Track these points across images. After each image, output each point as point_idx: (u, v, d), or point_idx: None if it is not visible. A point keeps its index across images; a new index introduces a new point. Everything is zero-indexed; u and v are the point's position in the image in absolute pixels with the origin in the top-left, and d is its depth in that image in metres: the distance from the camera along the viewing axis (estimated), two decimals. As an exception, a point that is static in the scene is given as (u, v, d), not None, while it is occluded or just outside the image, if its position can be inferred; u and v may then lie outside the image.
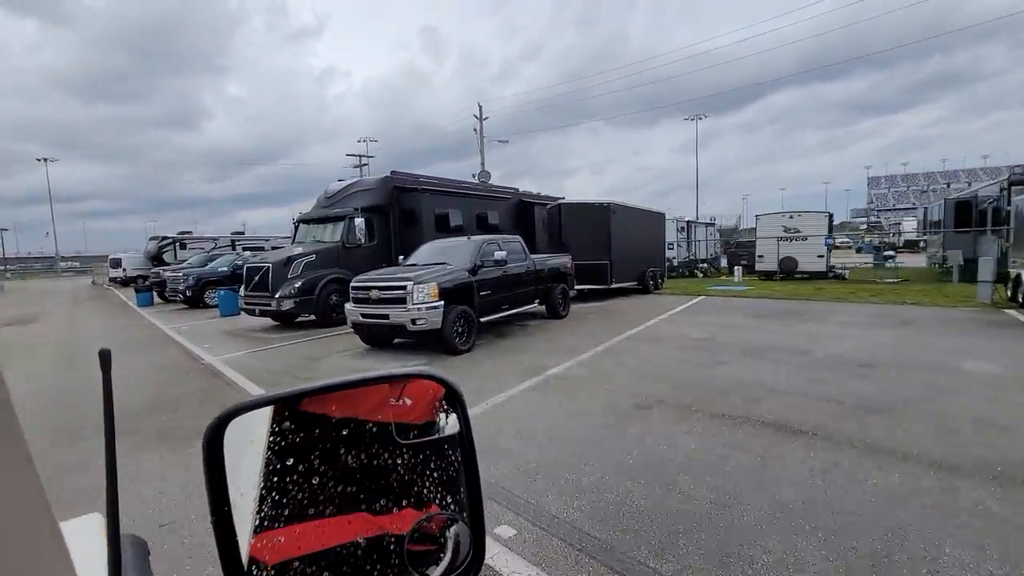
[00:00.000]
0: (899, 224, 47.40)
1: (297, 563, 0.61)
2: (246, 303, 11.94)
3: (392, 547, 0.65)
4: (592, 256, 13.94)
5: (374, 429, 0.67)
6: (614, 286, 14.55)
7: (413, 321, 7.69)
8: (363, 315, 8.17)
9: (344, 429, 0.66)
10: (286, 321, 12.42)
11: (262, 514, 0.61)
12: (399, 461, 0.67)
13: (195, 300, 18.02)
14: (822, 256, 18.60)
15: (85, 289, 36.08)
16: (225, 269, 19.03)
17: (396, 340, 9.07)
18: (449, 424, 0.71)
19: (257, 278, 11.59)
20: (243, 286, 12.09)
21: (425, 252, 9.86)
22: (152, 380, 7.35)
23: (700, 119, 60.76)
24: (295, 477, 0.62)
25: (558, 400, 5.56)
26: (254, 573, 0.59)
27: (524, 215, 16.98)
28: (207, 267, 19.69)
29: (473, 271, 8.67)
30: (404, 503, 0.66)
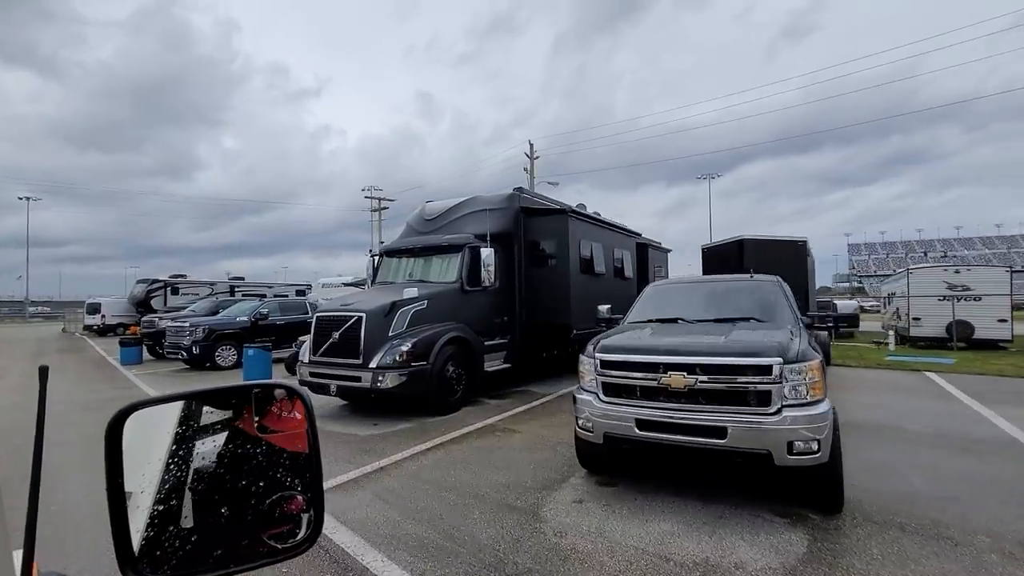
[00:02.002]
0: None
1: (183, 541, 0.74)
2: (313, 373, 7.56)
3: (251, 522, 0.79)
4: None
5: (239, 426, 0.83)
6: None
7: (790, 447, 3.49)
8: (661, 423, 3.90)
9: (232, 425, 0.82)
10: (360, 400, 8.04)
11: (157, 500, 0.73)
12: (262, 452, 0.82)
13: (203, 359, 13.46)
14: (1005, 320, 14.93)
15: (53, 339, 30.71)
16: (245, 319, 14.62)
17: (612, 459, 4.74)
18: (302, 424, 0.87)
19: (337, 336, 7.30)
20: (309, 347, 7.75)
21: (663, 299, 5.77)
22: None
23: (713, 178, 60.42)
24: (192, 466, 0.77)
25: None
26: (144, 552, 0.72)
27: (642, 260, 13.17)
28: (220, 316, 15.24)
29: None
30: (262, 484, 0.80)
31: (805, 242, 10.57)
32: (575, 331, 9.18)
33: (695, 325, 4.85)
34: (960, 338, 14.96)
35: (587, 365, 4.42)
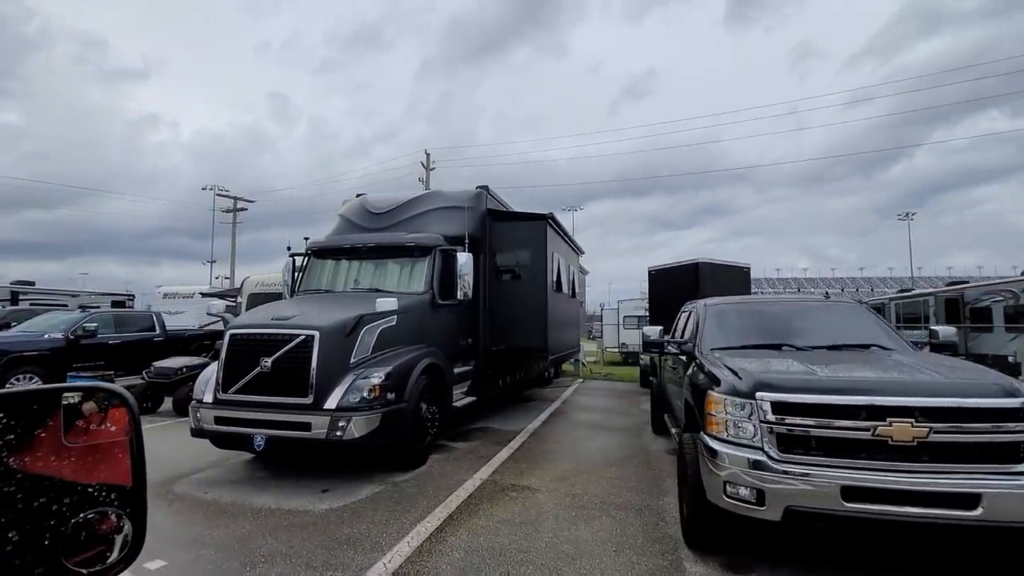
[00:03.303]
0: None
1: None
2: (224, 419, 5.11)
3: (49, 547, 0.69)
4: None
5: (42, 436, 0.71)
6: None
7: (1056, 515, 2.68)
8: (882, 491, 2.78)
9: (32, 435, 0.71)
10: (271, 453, 5.67)
11: None
12: (69, 466, 0.72)
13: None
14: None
15: None
16: (58, 337, 10.48)
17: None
18: (121, 433, 0.78)
19: (270, 363, 5.00)
20: (216, 381, 5.26)
21: (742, 322, 4.81)
22: None
23: (578, 210, 64.72)
24: None
25: None
26: None
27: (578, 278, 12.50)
28: (13, 332, 10.79)
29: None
30: (67, 502, 0.71)
31: (749, 268, 10.84)
32: (552, 356, 7.93)
33: (820, 353, 3.97)
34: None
35: (737, 407, 3.21)
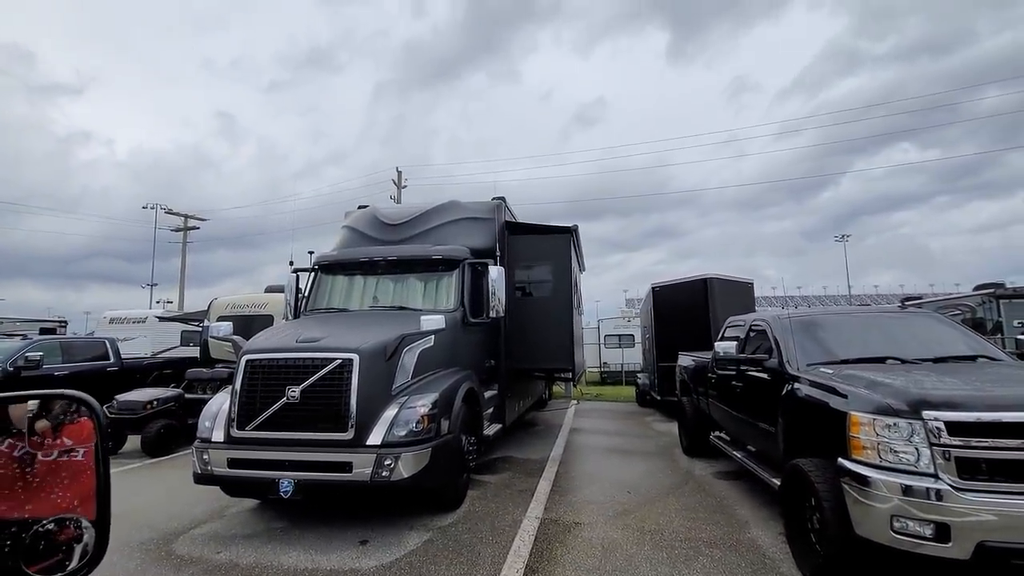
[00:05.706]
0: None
1: None
2: (239, 461, 4.29)
3: (10, 555, 0.69)
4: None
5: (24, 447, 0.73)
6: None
7: None
8: None
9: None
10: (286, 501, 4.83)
11: None
12: (31, 475, 0.73)
13: None
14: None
15: None
16: (-6, 368, 9.03)
17: None
18: (85, 440, 0.79)
19: (298, 393, 4.26)
20: (229, 416, 4.43)
21: (833, 334, 4.48)
22: None
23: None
24: None
25: None
26: None
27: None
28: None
29: None
30: (30, 508, 0.72)
31: (752, 284, 10.84)
32: (577, 376, 7.46)
33: (935, 366, 3.71)
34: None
35: (890, 428, 2.85)
